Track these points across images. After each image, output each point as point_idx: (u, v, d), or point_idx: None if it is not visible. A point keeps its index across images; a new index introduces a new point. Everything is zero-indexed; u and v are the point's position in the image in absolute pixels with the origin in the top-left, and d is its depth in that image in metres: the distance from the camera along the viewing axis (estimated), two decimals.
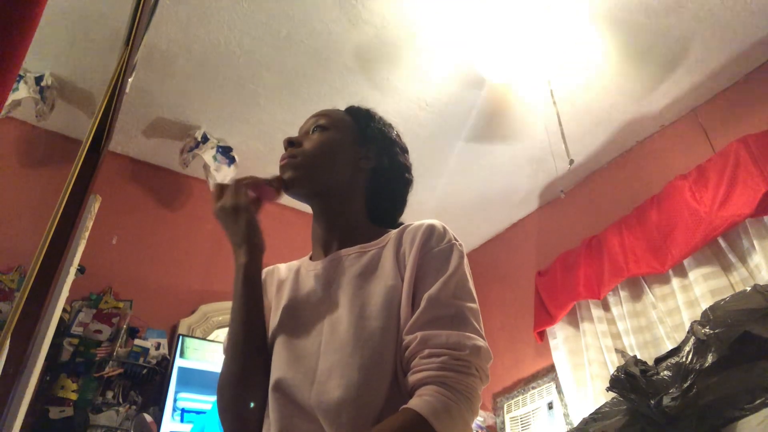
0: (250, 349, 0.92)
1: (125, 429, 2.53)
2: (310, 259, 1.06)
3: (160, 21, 2.64)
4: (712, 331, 0.54)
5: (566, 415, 3.11)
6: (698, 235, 2.77)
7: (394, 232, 0.99)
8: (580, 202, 3.65)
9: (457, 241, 0.95)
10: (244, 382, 0.91)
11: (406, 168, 1.12)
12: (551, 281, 3.43)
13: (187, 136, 3.25)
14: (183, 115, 3.21)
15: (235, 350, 0.92)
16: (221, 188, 1.04)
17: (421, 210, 3.64)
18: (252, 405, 0.89)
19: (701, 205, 2.81)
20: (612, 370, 1.97)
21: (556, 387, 3.26)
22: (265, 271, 1.05)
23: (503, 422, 3.47)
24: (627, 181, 3.42)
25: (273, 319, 0.98)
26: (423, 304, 0.84)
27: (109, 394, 2.60)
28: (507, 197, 3.81)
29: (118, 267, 3.04)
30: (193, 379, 2.85)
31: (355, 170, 1.05)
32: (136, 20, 1.61)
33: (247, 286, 0.94)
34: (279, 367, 0.90)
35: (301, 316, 0.95)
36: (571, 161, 2.62)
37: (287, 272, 1.05)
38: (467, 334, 0.82)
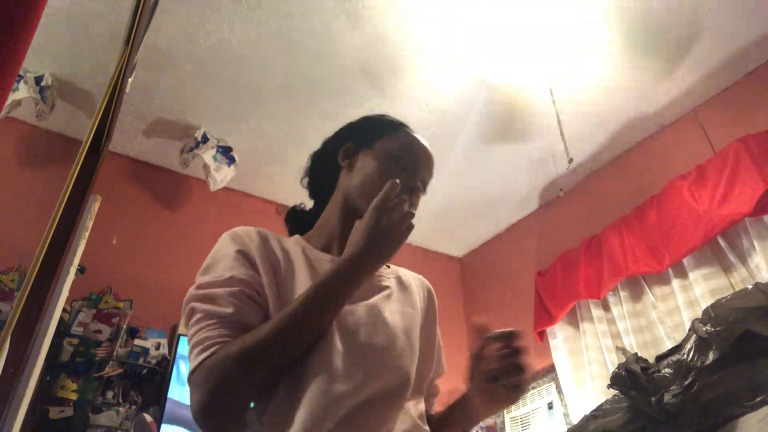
0: (305, 346, 0.85)
1: (125, 429, 2.53)
2: (319, 247, 1.03)
3: (160, 21, 2.64)
4: (713, 329, 0.54)
5: (566, 415, 3.11)
6: (697, 234, 2.77)
7: (410, 273, 1.11)
8: (580, 202, 3.65)
9: None
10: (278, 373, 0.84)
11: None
12: (551, 281, 3.43)
13: (187, 136, 3.25)
14: (183, 115, 3.21)
15: (291, 342, 0.83)
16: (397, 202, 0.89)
17: (421, 210, 3.63)
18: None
19: (700, 205, 2.82)
20: (612, 370, 1.96)
21: (556, 387, 3.26)
22: (256, 231, 0.99)
23: (503, 422, 3.47)
24: (627, 181, 3.42)
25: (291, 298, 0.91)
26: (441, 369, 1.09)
27: (109, 394, 2.60)
28: (507, 197, 3.81)
29: (118, 267, 3.03)
30: None
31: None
32: (136, 20, 1.61)
33: (351, 293, 0.87)
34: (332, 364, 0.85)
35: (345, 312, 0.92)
36: (570, 160, 2.62)
37: (290, 250, 0.99)
38: None
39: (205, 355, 0.81)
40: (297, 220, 1.16)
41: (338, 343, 0.86)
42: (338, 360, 0.84)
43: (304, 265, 0.97)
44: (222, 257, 0.94)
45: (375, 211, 0.86)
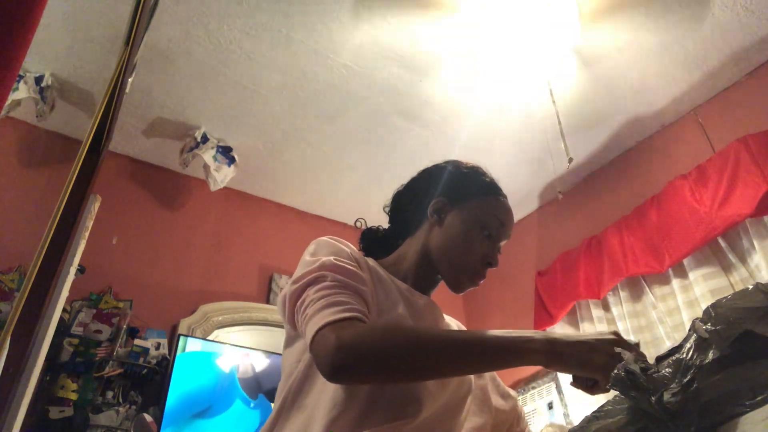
0: (449, 372, 0.88)
1: (125, 429, 2.53)
2: (400, 277, 1.08)
3: (160, 21, 2.64)
4: (713, 328, 0.54)
5: (566, 415, 3.11)
6: (698, 235, 2.77)
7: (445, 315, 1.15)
8: (580, 202, 3.66)
9: None
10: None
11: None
12: (551, 281, 3.43)
13: (187, 136, 3.25)
14: (183, 115, 3.21)
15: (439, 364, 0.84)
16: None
17: None
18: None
19: (701, 205, 2.82)
20: None
21: (556, 387, 3.26)
22: (350, 248, 1.01)
23: None
24: (627, 181, 3.42)
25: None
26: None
27: (109, 394, 2.60)
28: (507, 197, 3.81)
29: (118, 267, 3.04)
30: None
31: None
32: (136, 20, 1.61)
33: (512, 358, 0.83)
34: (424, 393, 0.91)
35: None
36: (570, 159, 2.61)
37: (381, 276, 1.03)
38: None
39: (348, 314, 0.82)
40: (372, 240, 1.20)
41: None
42: None
43: (392, 283, 1.02)
44: (339, 250, 0.97)
45: (607, 346, 0.81)
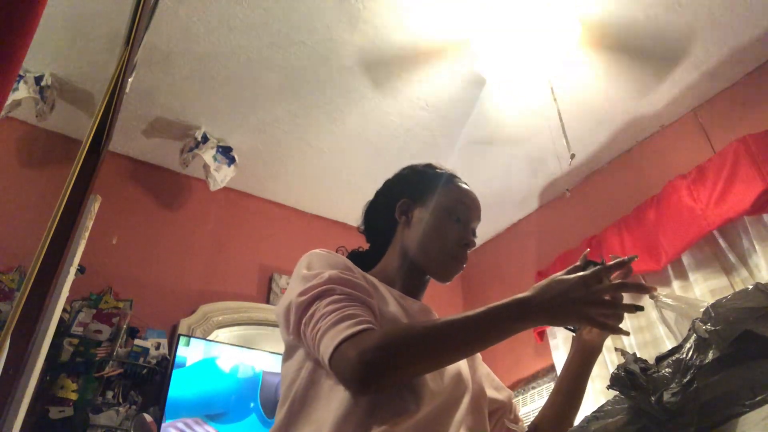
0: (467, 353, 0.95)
1: (125, 429, 2.53)
2: (388, 284, 1.08)
3: (160, 21, 2.64)
4: (713, 328, 0.54)
5: None
6: (692, 231, 2.78)
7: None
8: (580, 202, 3.65)
9: None
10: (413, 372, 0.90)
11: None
12: None
13: (187, 136, 3.25)
14: (183, 115, 3.21)
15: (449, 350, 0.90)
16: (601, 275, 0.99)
17: None
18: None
19: (698, 203, 2.82)
20: (612, 370, 1.96)
21: None
22: (344, 258, 1.04)
23: None
24: (627, 181, 3.42)
25: None
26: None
27: (109, 394, 2.60)
28: (507, 197, 3.81)
29: (118, 267, 3.04)
30: None
31: None
32: (136, 20, 1.61)
33: (515, 329, 0.94)
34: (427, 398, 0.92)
35: None
36: (572, 155, 2.61)
37: (375, 283, 1.05)
38: None
39: (362, 327, 0.85)
40: (357, 262, 1.20)
41: None
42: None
43: (386, 289, 1.04)
44: (336, 262, 0.99)
45: (581, 279, 0.94)
